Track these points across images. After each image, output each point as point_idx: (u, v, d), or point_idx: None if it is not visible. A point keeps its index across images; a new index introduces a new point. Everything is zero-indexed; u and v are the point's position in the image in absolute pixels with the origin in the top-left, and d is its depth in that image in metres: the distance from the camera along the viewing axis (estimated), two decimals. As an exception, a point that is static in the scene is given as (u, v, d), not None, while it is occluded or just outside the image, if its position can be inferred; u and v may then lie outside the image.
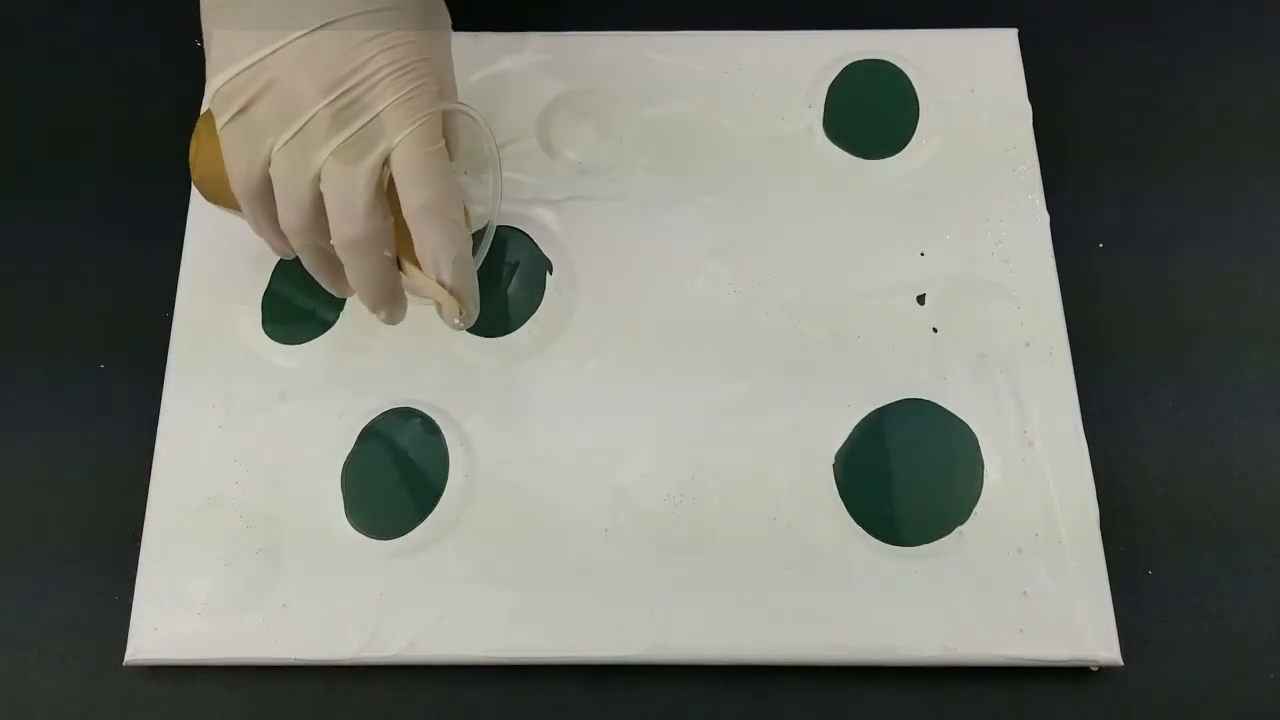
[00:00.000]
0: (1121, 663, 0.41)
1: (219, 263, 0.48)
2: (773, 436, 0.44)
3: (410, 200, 0.38)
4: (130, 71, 0.53)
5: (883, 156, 0.49)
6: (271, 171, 0.38)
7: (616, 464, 0.44)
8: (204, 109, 0.41)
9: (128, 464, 0.45)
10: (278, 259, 0.48)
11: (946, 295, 0.46)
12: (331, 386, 0.46)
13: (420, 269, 0.39)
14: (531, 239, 0.48)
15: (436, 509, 0.43)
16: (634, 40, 0.51)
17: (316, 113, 0.36)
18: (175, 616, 0.42)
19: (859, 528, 0.43)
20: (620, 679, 0.42)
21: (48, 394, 0.47)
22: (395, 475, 0.44)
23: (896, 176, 0.49)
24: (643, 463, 0.44)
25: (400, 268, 0.40)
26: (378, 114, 0.37)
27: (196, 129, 0.42)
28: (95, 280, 0.49)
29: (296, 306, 0.47)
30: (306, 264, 0.41)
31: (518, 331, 0.46)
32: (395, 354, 0.46)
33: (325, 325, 0.47)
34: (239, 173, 0.39)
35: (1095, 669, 0.42)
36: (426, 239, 0.38)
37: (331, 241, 0.39)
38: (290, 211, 0.38)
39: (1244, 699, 0.42)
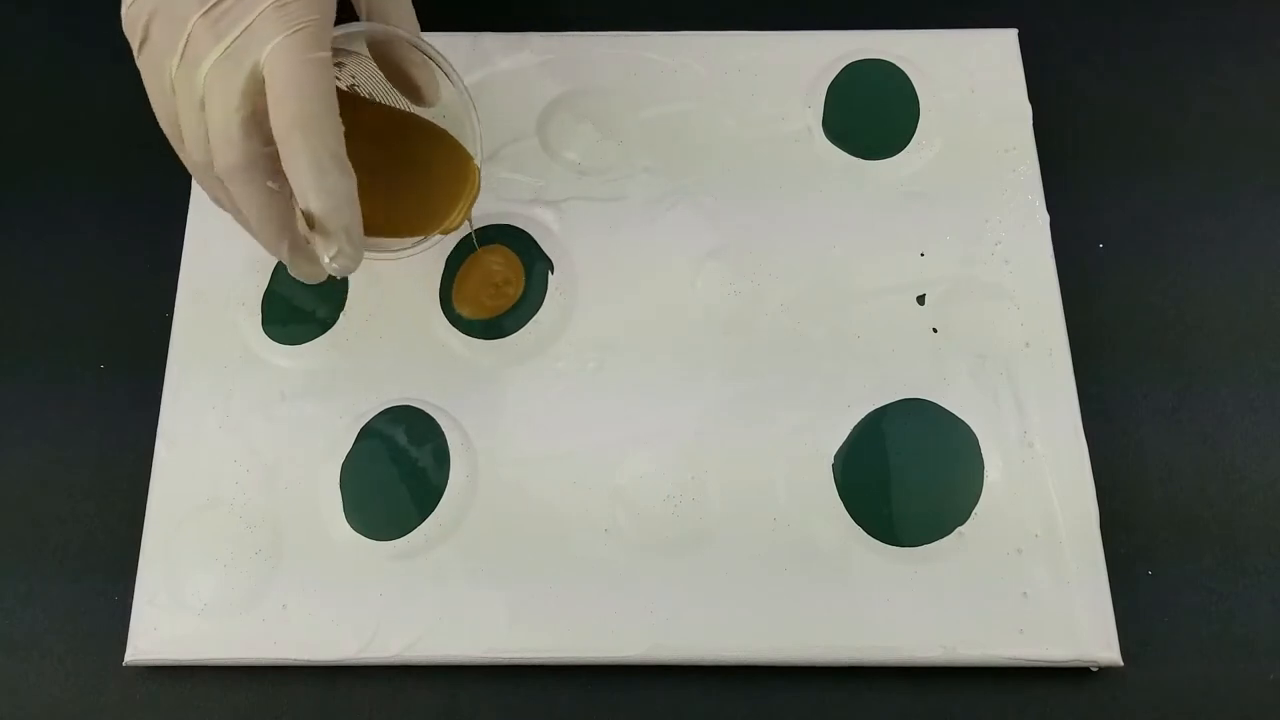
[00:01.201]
0: (1121, 663, 0.41)
1: (219, 263, 0.48)
2: (773, 436, 0.44)
3: (276, 116, 0.33)
4: (130, 71, 0.52)
5: (882, 157, 0.49)
6: (176, 99, 0.35)
7: (616, 464, 0.44)
8: None
9: (127, 464, 0.45)
10: (278, 259, 0.47)
11: (946, 295, 0.46)
12: (331, 387, 0.46)
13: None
14: (533, 238, 0.48)
15: (437, 510, 0.43)
16: (634, 40, 0.51)
17: (193, 24, 0.34)
18: (175, 617, 0.42)
19: (859, 528, 0.43)
20: (620, 679, 0.42)
21: (48, 394, 0.47)
22: (395, 476, 0.44)
23: (896, 177, 0.49)
24: (643, 463, 0.44)
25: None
26: (254, 20, 0.34)
27: None
28: (95, 280, 0.49)
29: (296, 307, 0.47)
30: (225, 208, 0.38)
31: (519, 332, 0.46)
32: (395, 354, 0.46)
33: (325, 326, 0.47)
34: (159, 112, 0.36)
35: (1095, 669, 0.42)
36: (291, 161, 0.34)
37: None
38: (192, 145, 0.35)
39: (1244, 699, 0.42)
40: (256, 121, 0.34)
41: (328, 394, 0.46)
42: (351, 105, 0.37)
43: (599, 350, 0.46)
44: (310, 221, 0.35)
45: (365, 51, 0.40)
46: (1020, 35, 0.51)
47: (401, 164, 0.42)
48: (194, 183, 0.49)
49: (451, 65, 0.40)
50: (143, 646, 0.42)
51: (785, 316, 0.46)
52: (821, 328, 0.46)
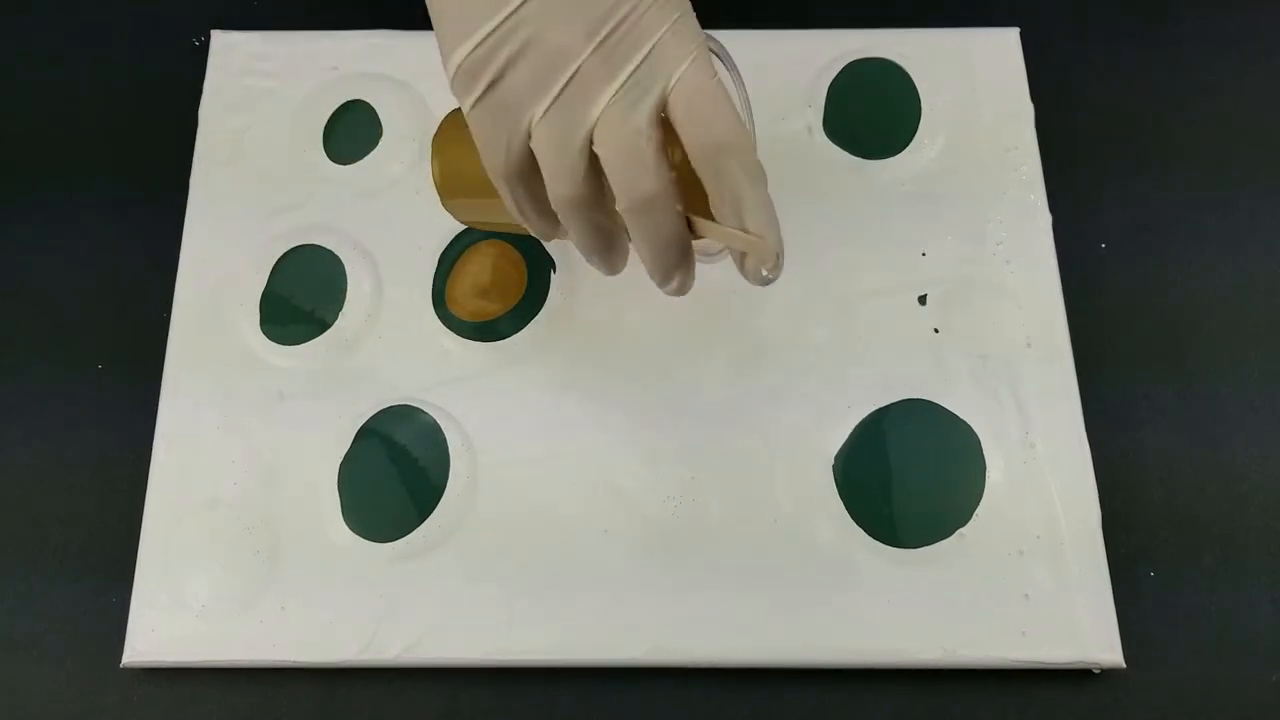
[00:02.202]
0: (1124, 664, 0.41)
1: (217, 263, 0.48)
2: (773, 437, 0.44)
3: (702, 139, 0.33)
4: (130, 71, 0.53)
5: (883, 156, 0.49)
6: (535, 145, 0.33)
7: (616, 465, 0.44)
8: (441, 124, 0.39)
9: (126, 465, 0.45)
10: (276, 259, 0.48)
11: (948, 296, 0.46)
12: (330, 387, 0.46)
13: (711, 220, 0.34)
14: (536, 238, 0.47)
15: (437, 510, 0.43)
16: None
17: (584, 61, 0.32)
18: (173, 618, 0.42)
19: (859, 529, 0.43)
20: (620, 681, 0.42)
21: (46, 395, 0.47)
22: (394, 477, 0.44)
23: (897, 177, 0.48)
24: (643, 464, 0.44)
25: (691, 227, 0.35)
26: (651, 49, 0.32)
27: (435, 145, 0.39)
28: (94, 281, 0.49)
29: (295, 307, 0.47)
30: (579, 241, 0.36)
31: (520, 332, 0.46)
32: (395, 354, 0.46)
33: (324, 325, 0.47)
34: (496, 156, 0.34)
35: (1097, 671, 0.42)
36: (725, 181, 0.33)
37: (618, 207, 0.34)
38: (563, 184, 0.34)
39: (1246, 700, 0.42)
40: (663, 151, 0.33)
41: (327, 394, 0.45)
42: None
43: (600, 350, 0.46)
44: (739, 236, 0.34)
45: None
46: (1022, 34, 0.51)
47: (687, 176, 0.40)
48: (192, 184, 0.49)
49: (730, 56, 0.38)
50: (141, 648, 0.42)
51: (786, 316, 0.46)
52: (822, 328, 0.46)
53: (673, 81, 0.32)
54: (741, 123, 0.33)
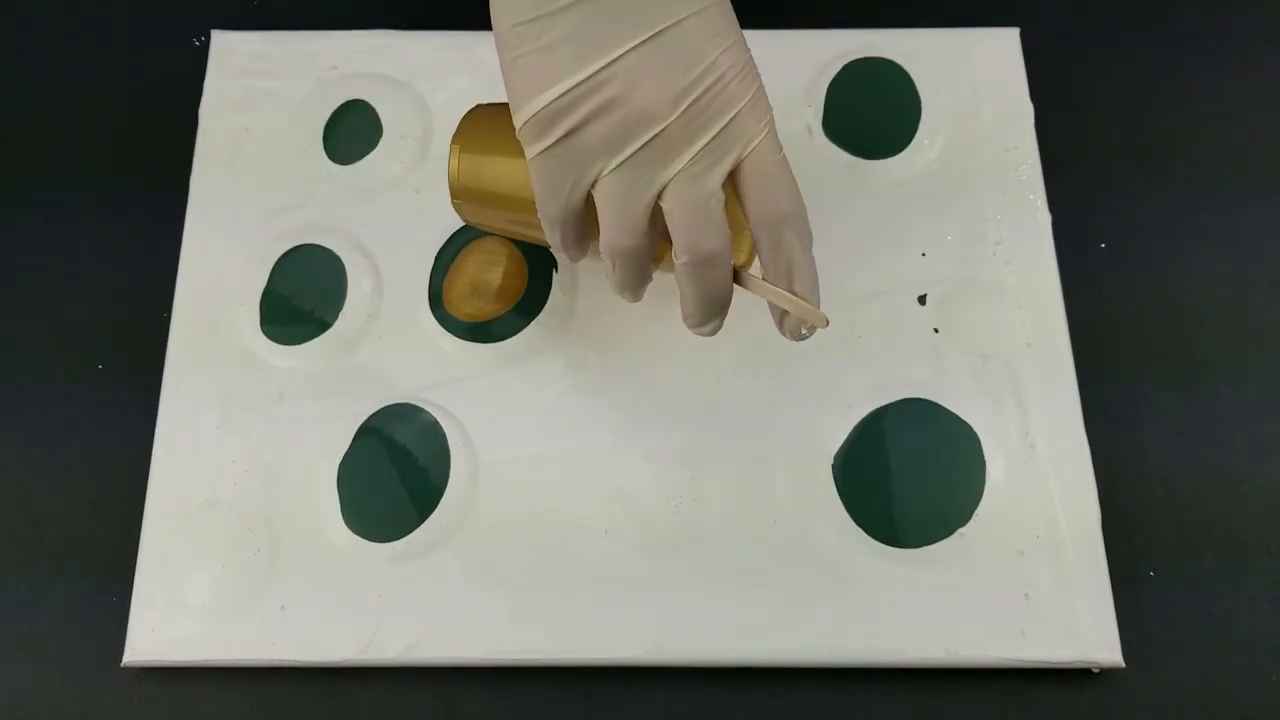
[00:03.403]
0: (1123, 664, 0.41)
1: (217, 263, 0.48)
2: (773, 437, 0.44)
3: (766, 210, 0.35)
4: (130, 71, 0.53)
5: (883, 156, 0.49)
6: (598, 194, 0.35)
7: (616, 465, 0.44)
8: (460, 124, 0.39)
9: (125, 465, 0.45)
10: (276, 259, 0.48)
11: (948, 296, 0.46)
12: (330, 387, 0.46)
13: (756, 276, 0.37)
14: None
15: (437, 511, 0.43)
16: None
17: (669, 125, 0.33)
18: (173, 618, 0.42)
19: (859, 529, 0.43)
20: (620, 681, 0.42)
21: (46, 395, 0.47)
22: (394, 477, 0.44)
23: (897, 177, 0.48)
24: (643, 464, 0.44)
25: (736, 278, 0.37)
26: (733, 117, 0.34)
27: (456, 145, 0.40)
28: (93, 280, 0.49)
29: (295, 307, 0.47)
30: (618, 280, 0.38)
31: (521, 331, 0.46)
32: (395, 355, 0.46)
33: (324, 326, 0.47)
34: (554, 200, 0.35)
35: (1097, 671, 0.42)
36: (782, 248, 0.36)
37: (678, 261, 0.36)
38: (622, 234, 0.35)
39: (1245, 700, 0.42)
40: (725, 211, 0.35)
41: (327, 394, 0.45)
42: None
43: (600, 350, 0.46)
44: (787, 296, 0.37)
45: None
46: (1022, 34, 0.51)
47: None
48: (192, 184, 0.49)
49: None
50: (141, 648, 0.42)
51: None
52: (822, 328, 0.46)
53: (747, 151, 0.34)
54: (800, 196, 0.36)
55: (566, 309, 0.47)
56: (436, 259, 0.47)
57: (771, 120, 0.35)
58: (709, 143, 0.34)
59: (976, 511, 0.43)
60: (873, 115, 0.49)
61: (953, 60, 0.50)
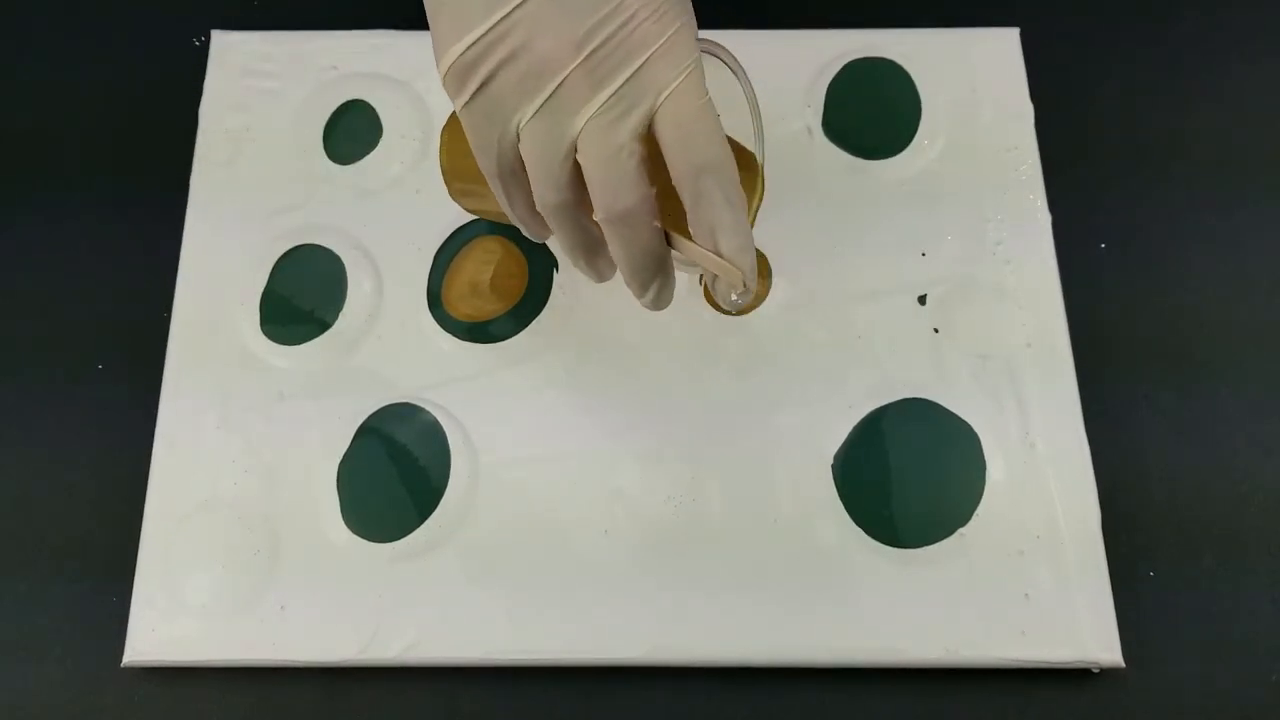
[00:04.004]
0: (1123, 665, 0.41)
1: (217, 263, 0.48)
2: (773, 437, 0.44)
3: (683, 162, 0.33)
4: (130, 71, 0.53)
5: (883, 157, 0.49)
6: (521, 148, 0.34)
7: (616, 465, 0.44)
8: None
9: (125, 465, 0.45)
10: (276, 259, 0.48)
11: (948, 296, 0.46)
12: (330, 387, 0.46)
13: (688, 239, 0.35)
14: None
15: (437, 510, 0.43)
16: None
17: (570, 73, 0.32)
18: (173, 618, 0.42)
19: (859, 529, 0.43)
20: (620, 682, 0.42)
21: (46, 394, 0.47)
22: (395, 477, 0.44)
23: (897, 177, 0.48)
24: (643, 464, 0.44)
25: (668, 240, 0.35)
26: (640, 66, 0.32)
27: (446, 126, 0.40)
28: (94, 280, 0.49)
29: (295, 307, 0.47)
30: (564, 245, 0.37)
31: (521, 331, 0.46)
32: (395, 354, 0.46)
33: (324, 326, 0.47)
34: (487, 156, 0.34)
35: (1097, 671, 0.42)
36: (703, 204, 0.33)
37: (596, 217, 0.34)
38: (547, 189, 0.34)
39: (1246, 701, 0.42)
40: (645, 165, 0.33)
41: (327, 394, 0.45)
42: None
43: (600, 350, 0.46)
44: (713, 259, 0.35)
45: None
46: (1022, 34, 0.51)
47: None
48: (192, 184, 0.49)
49: (737, 61, 0.38)
50: (141, 648, 0.42)
51: (785, 316, 0.46)
52: (822, 328, 0.46)
53: (660, 99, 0.32)
54: (726, 146, 0.33)
55: (568, 308, 0.47)
56: (435, 259, 0.47)
57: (695, 65, 0.33)
58: (618, 90, 0.32)
59: (976, 511, 0.43)
60: (873, 115, 0.49)
61: (953, 60, 0.50)
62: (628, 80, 0.32)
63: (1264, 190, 0.49)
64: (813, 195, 0.48)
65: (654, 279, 0.36)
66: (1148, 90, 0.51)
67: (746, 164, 0.40)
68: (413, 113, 0.50)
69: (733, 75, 0.39)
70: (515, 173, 0.35)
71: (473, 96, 0.33)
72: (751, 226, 0.39)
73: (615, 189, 0.33)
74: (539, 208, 0.35)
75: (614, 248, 0.35)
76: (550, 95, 0.32)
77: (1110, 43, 0.52)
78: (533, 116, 0.33)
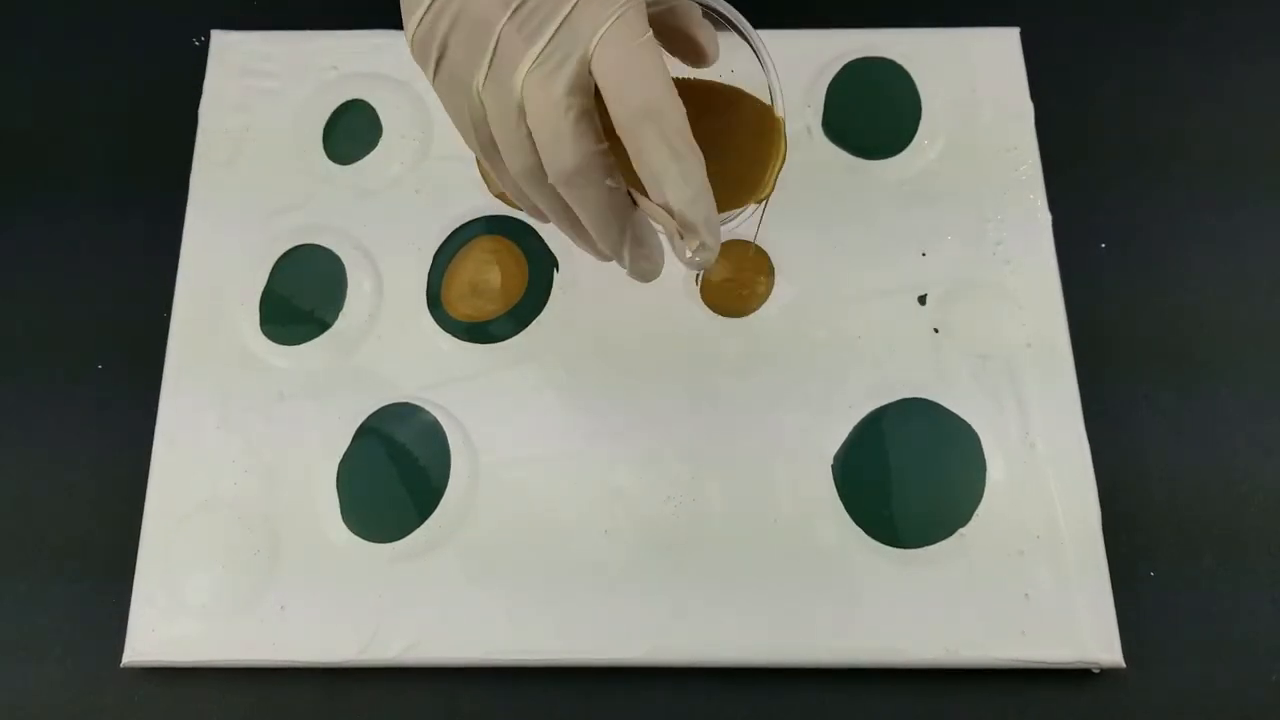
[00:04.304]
0: (1123, 665, 0.41)
1: (217, 263, 0.48)
2: (773, 437, 0.44)
3: (620, 107, 0.31)
4: (130, 71, 0.53)
5: (882, 156, 0.49)
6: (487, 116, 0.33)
7: (616, 465, 0.44)
8: None
9: (125, 465, 0.45)
10: (276, 258, 0.48)
11: (948, 296, 0.46)
12: (330, 387, 0.46)
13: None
14: (540, 236, 0.47)
15: (437, 511, 0.43)
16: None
17: (502, 29, 0.31)
18: (173, 618, 0.42)
19: (859, 529, 0.43)
20: (620, 682, 0.42)
21: (46, 394, 0.47)
22: (394, 477, 0.44)
23: (897, 177, 0.48)
24: (643, 464, 0.44)
25: (635, 202, 0.34)
26: (570, 11, 0.31)
27: None
28: (93, 280, 0.49)
29: (295, 307, 0.47)
30: (550, 217, 0.36)
31: (521, 331, 0.46)
32: (395, 354, 0.46)
33: (324, 325, 0.47)
34: (464, 130, 0.33)
35: (1097, 671, 0.42)
36: (646, 154, 0.31)
37: (549, 181, 0.33)
38: (510, 155, 0.33)
39: (1246, 701, 0.42)
40: (589, 120, 0.31)
41: (327, 394, 0.45)
42: None
43: (600, 350, 0.46)
44: (666, 215, 0.32)
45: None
46: (1022, 34, 0.51)
47: (702, 140, 0.37)
48: (192, 184, 0.49)
49: (739, 14, 0.36)
50: (141, 648, 0.42)
51: (785, 316, 0.46)
52: (822, 328, 0.46)
53: (594, 44, 0.31)
54: (668, 88, 0.31)
55: (569, 308, 0.47)
56: (435, 259, 0.47)
57: (632, 8, 0.31)
58: (550, 41, 0.31)
59: (976, 511, 0.43)
60: (873, 115, 0.49)
61: (953, 60, 0.50)
62: (559, 29, 0.31)
63: (1264, 190, 0.49)
64: (813, 195, 0.48)
65: (620, 243, 0.34)
66: (1148, 90, 0.51)
67: (765, 121, 0.38)
68: (412, 113, 0.50)
69: (749, 49, 0.37)
70: (493, 143, 0.34)
71: (436, 70, 0.33)
72: (770, 191, 0.38)
73: (556, 147, 0.31)
74: (514, 178, 0.34)
75: (574, 208, 0.33)
76: (492, 56, 0.31)
77: (1110, 43, 0.52)
78: (485, 81, 0.32)
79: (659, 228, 0.35)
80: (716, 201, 0.33)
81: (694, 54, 0.36)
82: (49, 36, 0.54)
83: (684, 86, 0.34)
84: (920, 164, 0.49)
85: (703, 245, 0.33)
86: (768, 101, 0.38)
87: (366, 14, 0.52)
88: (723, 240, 0.35)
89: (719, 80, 0.38)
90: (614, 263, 0.47)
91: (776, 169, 0.38)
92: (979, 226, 0.47)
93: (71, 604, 0.44)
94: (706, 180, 0.32)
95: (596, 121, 0.32)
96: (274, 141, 0.50)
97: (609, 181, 0.32)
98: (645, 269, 0.36)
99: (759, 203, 0.38)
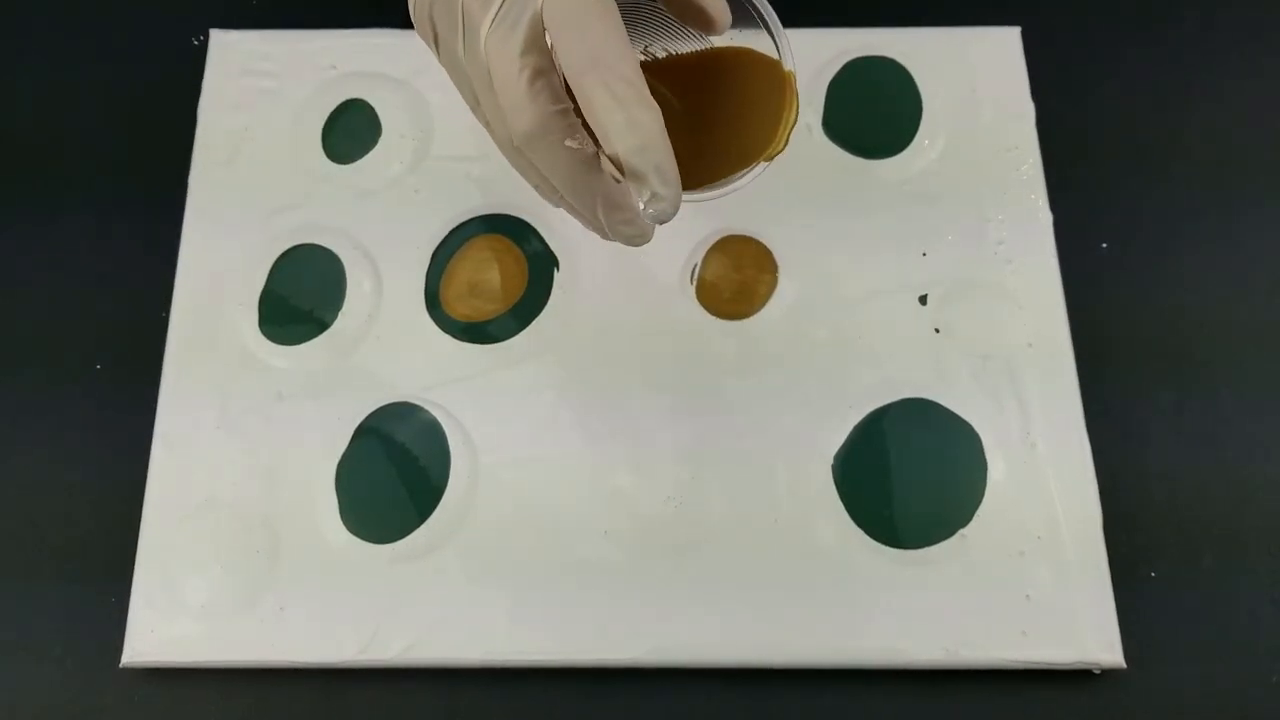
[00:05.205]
0: (1124, 665, 0.41)
1: (216, 263, 0.48)
2: (773, 437, 0.44)
3: (565, 62, 0.30)
4: (130, 71, 0.53)
5: (883, 156, 0.49)
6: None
7: (616, 465, 0.44)
8: None
9: (124, 465, 0.45)
10: (275, 258, 0.48)
11: (949, 296, 0.46)
12: (329, 387, 0.46)
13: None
14: (540, 235, 0.47)
15: (437, 511, 0.43)
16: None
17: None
18: (172, 619, 0.42)
19: (859, 530, 0.43)
20: (620, 682, 0.42)
21: (44, 395, 0.47)
22: (394, 477, 0.44)
23: (898, 176, 0.48)
24: (642, 464, 0.44)
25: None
26: None
27: None
28: (92, 281, 0.49)
29: (294, 307, 0.47)
30: (539, 190, 0.35)
31: (521, 331, 0.46)
32: (395, 354, 0.46)
33: (323, 325, 0.46)
34: (468, 103, 0.33)
35: (1098, 672, 0.42)
36: (592, 107, 0.30)
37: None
38: (493, 119, 0.33)
39: (1246, 701, 0.42)
40: (545, 79, 0.31)
41: (326, 394, 0.45)
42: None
43: (600, 349, 0.46)
44: (620, 168, 0.31)
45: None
46: (1023, 34, 0.51)
47: (709, 104, 0.37)
48: (191, 183, 0.49)
49: None
50: (140, 648, 0.42)
51: (786, 316, 0.46)
52: (822, 328, 0.46)
53: (539, 7, 0.30)
54: (612, 39, 0.30)
55: (569, 308, 0.46)
56: (434, 258, 0.47)
57: None
58: (504, 4, 0.31)
59: (977, 512, 0.43)
60: (873, 115, 0.49)
61: (953, 60, 0.50)
62: None
63: (1264, 190, 0.49)
64: (813, 195, 0.48)
65: (592, 206, 0.33)
66: (1148, 90, 0.51)
67: (773, 76, 0.38)
68: (412, 112, 0.50)
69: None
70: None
71: (435, 47, 0.33)
72: (782, 148, 0.37)
73: (511, 109, 0.31)
74: (499, 147, 0.34)
75: (542, 175, 0.33)
76: (463, 22, 0.31)
77: (1110, 43, 0.52)
78: (465, 50, 0.32)
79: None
80: (730, 162, 0.32)
81: (704, 22, 0.36)
82: (49, 36, 0.54)
83: (693, 58, 0.34)
84: (921, 163, 0.49)
85: (655, 195, 0.31)
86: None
87: (366, 14, 0.52)
88: (740, 189, 0.34)
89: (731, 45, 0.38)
90: (613, 263, 0.47)
91: (790, 124, 0.37)
92: (980, 226, 0.47)
93: (71, 604, 0.44)
94: (661, 129, 0.31)
95: (556, 80, 0.31)
96: (273, 141, 0.50)
97: (569, 142, 0.32)
98: (627, 233, 0.35)
99: (770, 159, 0.37)
